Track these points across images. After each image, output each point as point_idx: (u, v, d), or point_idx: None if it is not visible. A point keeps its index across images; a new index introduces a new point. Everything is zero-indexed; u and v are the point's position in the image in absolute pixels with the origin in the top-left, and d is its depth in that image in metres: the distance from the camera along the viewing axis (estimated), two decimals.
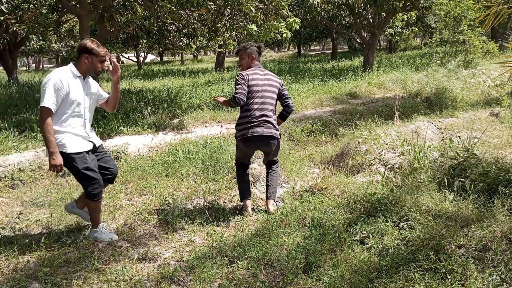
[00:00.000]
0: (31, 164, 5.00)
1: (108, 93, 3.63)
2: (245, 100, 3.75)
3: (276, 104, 3.97)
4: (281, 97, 3.97)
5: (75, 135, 3.29)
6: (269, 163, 4.12)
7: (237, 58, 4.26)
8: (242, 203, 4.01)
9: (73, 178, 4.90)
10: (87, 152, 3.32)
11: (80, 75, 3.31)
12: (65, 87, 3.17)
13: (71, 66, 3.33)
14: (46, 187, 4.67)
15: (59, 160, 3.15)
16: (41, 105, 3.12)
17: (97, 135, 3.60)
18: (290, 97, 4.00)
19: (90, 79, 3.49)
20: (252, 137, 3.75)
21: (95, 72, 3.37)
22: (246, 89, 3.77)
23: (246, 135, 3.77)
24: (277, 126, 3.91)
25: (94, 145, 3.44)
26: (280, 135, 3.96)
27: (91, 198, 3.36)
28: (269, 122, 3.80)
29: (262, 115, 3.78)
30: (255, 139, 3.77)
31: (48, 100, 3.11)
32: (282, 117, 4.05)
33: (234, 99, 3.72)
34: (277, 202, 4.13)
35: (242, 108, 3.85)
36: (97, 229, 3.48)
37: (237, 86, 3.78)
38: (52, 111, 3.13)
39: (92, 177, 3.30)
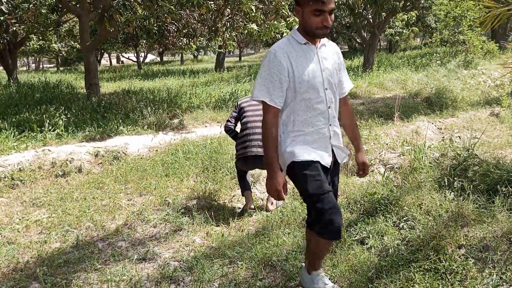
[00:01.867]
0: (31, 164, 5.00)
1: (347, 94, 2.44)
2: (231, 127, 4.09)
3: None
4: None
5: (312, 139, 2.18)
6: None
7: (237, 58, 4.31)
8: (244, 198, 4.10)
9: (73, 178, 4.92)
10: (321, 165, 2.18)
11: (306, 41, 2.15)
12: (284, 65, 2.08)
13: (293, 30, 2.20)
14: (46, 187, 4.67)
15: (276, 183, 2.11)
16: (251, 96, 2.16)
17: (341, 146, 2.35)
18: None
19: (330, 46, 2.30)
20: (248, 156, 3.93)
21: (311, 33, 2.10)
22: (235, 115, 4.11)
23: (242, 155, 3.97)
24: None
25: (333, 164, 2.29)
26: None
27: (318, 231, 2.15)
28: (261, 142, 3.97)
29: (257, 139, 3.93)
30: (251, 158, 3.93)
31: (260, 90, 2.11)
32: None
33: (224, 127, 4.15)
34: (277, 202, 4.15)
35: (240, 130, 4.06)
36: (311, 276, 2.45)
37: (231, 114, 4.19)
38: (270, 104, 2.09)
39: (322, 199, 2.10)
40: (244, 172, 4.22)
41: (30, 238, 3.52)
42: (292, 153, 2.15)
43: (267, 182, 2.15)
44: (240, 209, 4.04)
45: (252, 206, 4.01)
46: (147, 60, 38.27)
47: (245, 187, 4.13)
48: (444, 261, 2.68)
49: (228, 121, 4.13)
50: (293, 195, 4.39)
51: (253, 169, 4.26)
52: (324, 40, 2.25)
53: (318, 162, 2.17)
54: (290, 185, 4.69)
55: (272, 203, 4.03)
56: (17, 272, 2.94)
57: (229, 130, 4.14)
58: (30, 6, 10.22)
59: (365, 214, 3.47)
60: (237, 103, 4.21)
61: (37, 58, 38.04)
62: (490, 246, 2.77)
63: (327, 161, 2.22)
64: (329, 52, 2.28)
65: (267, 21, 7.56)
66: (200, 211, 3.97)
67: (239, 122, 4.14)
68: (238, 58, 35.33)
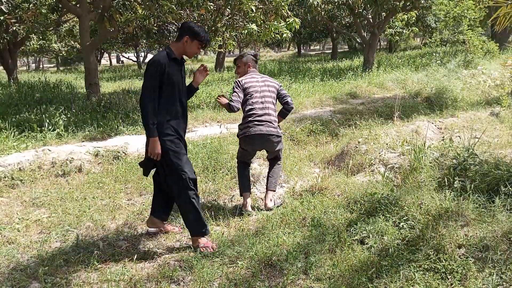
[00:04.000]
0: (31, 164, 5.00)
1: None
2: (239, 107, 3.90)
3: (275, 104, 4.09)
4: (280, 97, 4.10)
5: None
6: (272, 160, 4.24)
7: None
8: (242, 199, 4.06)
9: (73, 178, 4.91)
10: None
11: None
12: None
13: None
14: (46, 187, 4.67)
15: None
16: None
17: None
18: (289, 95, 4.13)
19: None
20: (253, 135, 3.86)
21: None
22: (241, 95, 3.92)
23: (247, 134, 3.89)
24: (278, 124, 4.01)
25: None
26: (282, 133, 4.07)
27: None
28: (270, 121, 3.91)
29: (264, 114, 3.90)
30: (257, 137, 3.87)
31: None
32: (282, 114, 4.16)
33: (229, 106, 3.85)
34: (276, 200, 4.20)
35: (245, 109, 3.96)
36: None
37: (233, 94, 3.94)
38: None
39: None
40: (246, 164, 4.15)
41: (30, 238, 3.52)
42: None
43: None
44: (239, 210, 4.03)
45: (249, 208, 3.95)
46: (147, 60, 38.28)
47: (244, 188, 4.07)
48: (444, 261, 2.68)
49: (233, 100, 3.85)
50: (292, 195, 4.39)
51: (259, 150, 4.15)
52: None
53: None
54: (289, 184, 4.69)
55: (271, 200, 4.05)
56: (17, 272, 2.94)
57: (236, 111, 3.92)
58: (30, 6, 10.22)
59: (365, 214, 3.47)
60: (240, 82, 3.97)
61: (37, 58, 38.05)
62: (490, 246, 2.77)
63: None
64: None
65: (267, 21, 7.56)
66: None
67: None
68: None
